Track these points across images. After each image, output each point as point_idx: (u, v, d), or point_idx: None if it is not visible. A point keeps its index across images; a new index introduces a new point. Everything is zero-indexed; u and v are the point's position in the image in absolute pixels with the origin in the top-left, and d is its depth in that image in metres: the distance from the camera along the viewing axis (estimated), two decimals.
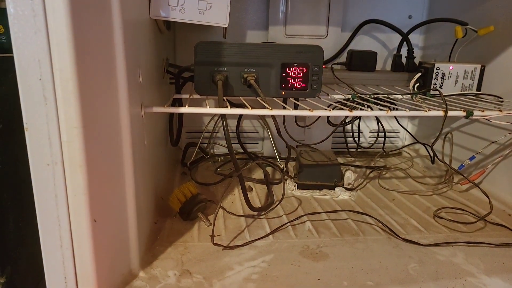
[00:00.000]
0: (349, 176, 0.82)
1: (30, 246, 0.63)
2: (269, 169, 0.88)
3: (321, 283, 0.49)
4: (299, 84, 0.66)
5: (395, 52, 0.87)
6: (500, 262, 0.54)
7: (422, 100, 0.72)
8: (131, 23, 0.46)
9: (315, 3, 0.91)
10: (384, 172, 0.90)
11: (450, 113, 0.61)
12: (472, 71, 0.76)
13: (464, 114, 0.62)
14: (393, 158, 1.02)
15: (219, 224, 0.64)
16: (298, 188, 0.78)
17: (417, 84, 0.77)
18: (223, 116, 0.59)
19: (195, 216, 0.64)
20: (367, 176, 0.86)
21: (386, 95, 0.72)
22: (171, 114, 0.82)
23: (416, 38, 1.00)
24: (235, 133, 0.98)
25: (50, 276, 0.41)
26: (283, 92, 0.66)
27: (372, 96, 0.70)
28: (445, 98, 0.66)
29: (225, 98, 0.66)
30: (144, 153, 0.54)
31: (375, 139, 1.03)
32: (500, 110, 0.64)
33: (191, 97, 0.66)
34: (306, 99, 0.67)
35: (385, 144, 1.02)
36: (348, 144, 1.03)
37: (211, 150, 1.00)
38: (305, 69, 0.65)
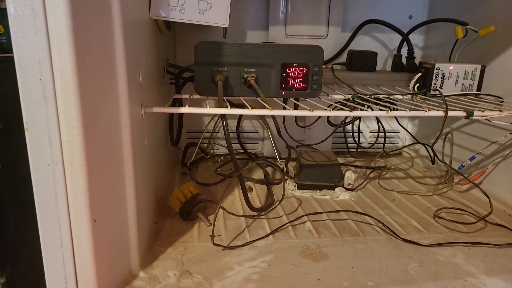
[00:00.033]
0: (349, 176, 0.82)
1: (30, 246, 0.63)
2: (269, 169, 0.88)
3: (321, 284, 0.49)
4: (299, 84, 0.65)
5: (395, 52, 0.87)
6: (500, 263, 0.54)
7: (422, 100, 0.72)
8: (131, 23, 0.46)
9: (315, 3, 0.91)
10: (384, 172, 0.90)
11: (450, 113, 0.61)
12: (472, 71, 0.76)
13: (465, 114, 0.62)
14: (393, 158, 1.02)
15: (219, 224, 0.64)
16: (298, 188, 0.78)
17: (417, 84, 0.77)
18: (223, 116, 0.59)
19: (195, 216, 0.64)
20: (367, 176, 0.86)
21: (386, 95, 0.72)
22: (171, 114, 0.82)
23: (416, 38, 1.00)
24: (235, 133, 0.98)
25: (50, 276, 0.41)
26: (283, 92, 0.66)
27: (372, 96, 0.70)
28: (445, 98, 0.66)
29: (225, 98, 0.66)
30: (144, 153, 0.54)
31: (375, 139, 1.03)
32: (500, 111, 0.64)
33: (191, 97, 0.66)
34: (306, 99, 0.67)
35: (385, 144, 1.02)
36: (348, 144, 1.03)
37: (211, 150, 1.00)
38: (305, 69, 0.65)
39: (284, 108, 0.63)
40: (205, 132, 0.98)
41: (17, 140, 0.56)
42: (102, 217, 0.42)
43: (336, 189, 0.77)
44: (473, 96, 0.76)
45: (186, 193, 0.64)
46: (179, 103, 0.77)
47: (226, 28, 0.63)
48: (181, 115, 0.86)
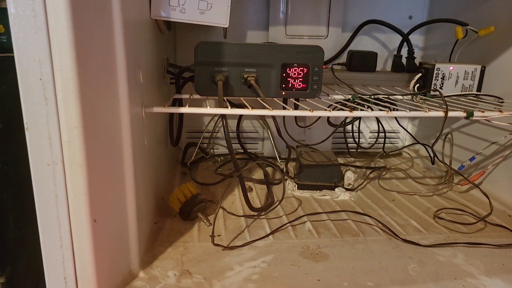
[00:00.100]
0: (349, 176, 0.82)
1: (30, 246, 0.63)
2: (269, 169, 0.88)
3: (321, 284, 0.49)
4: (299, 85, 0.66)
5: (395, 53, 0.87)
6: (500, 263, 0.54)
7: (422, 100, 0.72)
8: (132, 23, 0.46)
9: (315, 3, 0.91)
10: (384, 173, 0.90)
11: (450, 113, 0.61)
12: (472, 71, 0.76)
13: (465, 114, 0.62)
14: (393, 158, 1.02)
15: (219, 224, 0.64)
16: (298, 188, 0.78)
17: (418, 85, 0.77)
18: (223, 116, 0.59)
19: (195, 216, 0.64)
20: (367, 177, 0.86)
21: (386, 96, 0.72)
22: (171, 114, 0.82)
23: (416, 39, 1.00)
24: (235, 133, 0.98)
25: (50, 276, 0.41)
26: (283, 93, 0.66)
27: (372, 97, 0.70)
28: (445, 98, 0.66)
29: (225, 98, 0.66)
30: (144, 153, 0.54)
31: (375, 139, 1.03)
32: (500, 111, 0.64)
33: (191, 97, 0.66)
34: (306, 99, 0.67)
35: (385, 145, 1.02)
36: (348, 145, 1.03)
37: (211, 150, 1.00)
38: (305, 70, 0.65)
39: (284, 108, 0.64)
40: (205, 132, 0.98)
41: (17, 140, 0.56)
42: (102, 217, 0.42)
43: (336, 189, 0.77)
44: (473, 97, 0.76)
45: (186, 193, 0.64)
46: (179, 103, 0.77)
47: (226, 28, 0.63)
48: (181, 115, 0.86)
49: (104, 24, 0.40)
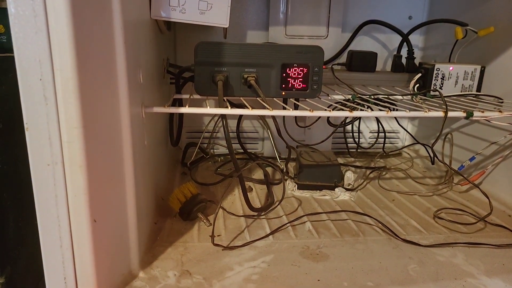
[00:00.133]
0: (349, 176, 0.82)
1: (30, 246, 0.63)
2: (269, 169, 0.88)
3: (321, 284, 0.49)
4: (299, 85, 0.66)
5: (395, 53, 0.87)
6: (500, 263, 0.54)
7: (422, 100, 0.72)
8: (132, 23, 0.46)
9: (315, 3, 0.91)
10: (384, 173, 0.90)
11: (450, 113, 0.61)
12: (472, 72, 0.76)
13: (464, 115, 0.62)
14: (393, 158, 1.02)
15: (219, 224, 0.64)
16: (298, 188, 0.78)
17: (417, 85, 0.77)
18: (223, 116, 0.59)
19: (195, 216, 0.64)
20: (367, 177, 0.86)
21: (386, 96, 0.72)
22: (171, 114, 0.82)
23: (416, 39, 1.00)
24: (235, 133, 0.98)
25: (49, 276, 0.41)
26: (283, 93, 0.66)
27: (372, 97, 0.70)
28: (445, 98, 0.66)
29: (225, 98, 0.66)
30: (144, 153, 0.54)
31: (375, 139, 1.03)
32: (500, 111, 0.64)
33: (191, 97, 0.66)
34: (306, 99, 0.67)
35: (385, 145, 1.02)
36: (348, 145, 1.03)
37: (211, 150, 1.00)
38: (305, 70, 0.65)
39: (284, 108, 0.64)
40: (205, 132, 0.98)
41: (17, 140, 0.56)
42: (102, 217, 0.42)
43: (336, 189, 0.77)
44: (473, 97, 0.76)
45: (186, 193, 0.64)
46: (179, 103, 0.77)
47: (226, 28, 0.63)
48: (181, 115, 0.86)
49: (104, 24, 0.40)
